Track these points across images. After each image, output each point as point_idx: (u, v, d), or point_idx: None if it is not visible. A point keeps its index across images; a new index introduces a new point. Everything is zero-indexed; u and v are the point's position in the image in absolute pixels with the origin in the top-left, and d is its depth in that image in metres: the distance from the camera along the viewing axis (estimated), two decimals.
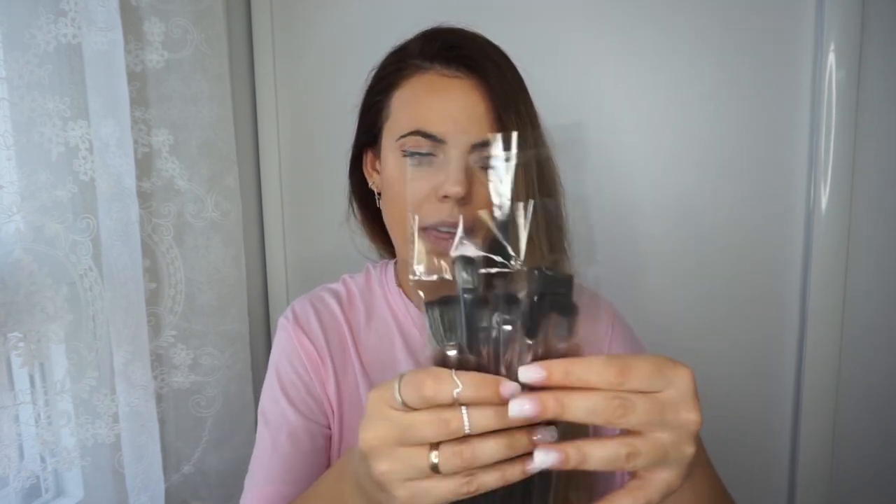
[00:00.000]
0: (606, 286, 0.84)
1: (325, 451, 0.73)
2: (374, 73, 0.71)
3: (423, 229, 0.65)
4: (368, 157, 0.73)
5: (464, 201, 0.63)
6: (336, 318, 0.75)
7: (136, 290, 0.80)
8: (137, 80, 0.84)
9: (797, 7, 0.97)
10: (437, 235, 0.64)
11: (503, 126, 0.63)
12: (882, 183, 0.98)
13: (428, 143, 0.63)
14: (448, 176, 0.62)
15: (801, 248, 1.02)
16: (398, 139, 0.65)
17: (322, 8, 1.14)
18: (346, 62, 1.13)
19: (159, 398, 0.89)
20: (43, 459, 0.76)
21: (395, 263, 0.79)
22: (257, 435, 0.73)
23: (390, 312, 0.76)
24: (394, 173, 0.66)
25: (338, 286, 0.79)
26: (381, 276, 0.78)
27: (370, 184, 0.74)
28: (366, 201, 0.77)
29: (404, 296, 0.76)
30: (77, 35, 0.73)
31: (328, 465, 0.72)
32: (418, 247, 0.44)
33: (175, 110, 0.89)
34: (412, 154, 0.64)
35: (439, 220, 0.63)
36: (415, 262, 0.43)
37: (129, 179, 0.79)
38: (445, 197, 0.62)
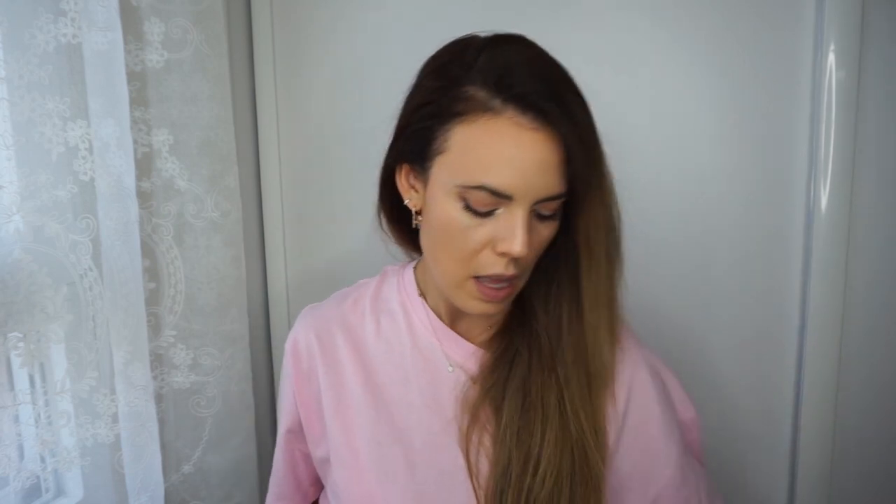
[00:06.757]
0: None
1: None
2: (421, 84, 0.66)
3: (475, 278, 0.64)
4: (404, 171, 0.68)
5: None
6: (334, 339, 0.74)
7: (136, 290, 0.80)
8: (137, 80, 0.84)
9: (797, 7, 0.97)
10: (489, 287, 0.64)
11: (571, 183, 0.61)
12: (882, 183, 0.98)
13: (493, 200, 0.60)
14: (514, 234, 0.60)
15: (801, 248, 1.02)
16: (459, 186, 0.61)
17: (322, 7, 1.13)
18: (347, 62, 1.13)
19: (159, 398, 0.89)
20: (43, 459, 0.76)
21: (415, 269, 0.76)
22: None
23: (405, 320, 0.74)
24: (446, 215, 0.63)
25: (348, 294, 0.79)
26: (400, 282, 0.76)
27: (406, 200, 0.69)
28: (393, 206, 0.73)
29: (427, 306, 0.73)
30: (77, 35, 0.73)
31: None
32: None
33: (175, 110, 0.89)
34: (473, 210, 0.61)
35: (494, 274, 0.62)
36: None
37: (129, 179, 0.79)
38: (504, 252, 0.61)
